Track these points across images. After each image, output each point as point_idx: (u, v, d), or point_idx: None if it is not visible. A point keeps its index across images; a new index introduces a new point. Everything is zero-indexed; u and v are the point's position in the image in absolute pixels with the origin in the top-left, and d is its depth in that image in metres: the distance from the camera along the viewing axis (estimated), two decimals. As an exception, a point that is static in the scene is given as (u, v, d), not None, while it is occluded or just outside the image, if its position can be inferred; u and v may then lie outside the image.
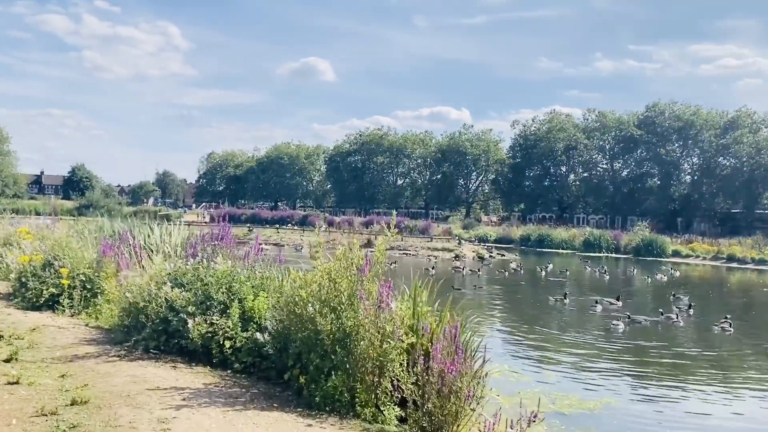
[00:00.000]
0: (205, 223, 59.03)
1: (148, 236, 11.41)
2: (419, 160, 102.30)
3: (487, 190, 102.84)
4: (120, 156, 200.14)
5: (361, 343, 5.26)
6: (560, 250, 51.34)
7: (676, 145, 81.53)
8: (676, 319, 16.67)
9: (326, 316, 5.51)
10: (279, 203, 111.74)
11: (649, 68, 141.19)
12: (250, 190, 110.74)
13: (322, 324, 5.45)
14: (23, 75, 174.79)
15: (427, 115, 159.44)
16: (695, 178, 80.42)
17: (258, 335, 6.13)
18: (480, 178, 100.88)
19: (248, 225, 51.38)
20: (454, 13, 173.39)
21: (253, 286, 7.08)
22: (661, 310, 17.72)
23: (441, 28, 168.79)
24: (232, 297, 6.91)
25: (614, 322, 15.66)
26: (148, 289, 7.26)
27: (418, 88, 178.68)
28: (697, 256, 45.05)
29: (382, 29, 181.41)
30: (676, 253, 45.94)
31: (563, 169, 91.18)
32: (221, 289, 6.96)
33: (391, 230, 5.90)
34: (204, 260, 7.50)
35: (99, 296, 9.52)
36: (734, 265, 41.58)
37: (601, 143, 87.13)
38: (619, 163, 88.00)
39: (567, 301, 19.22)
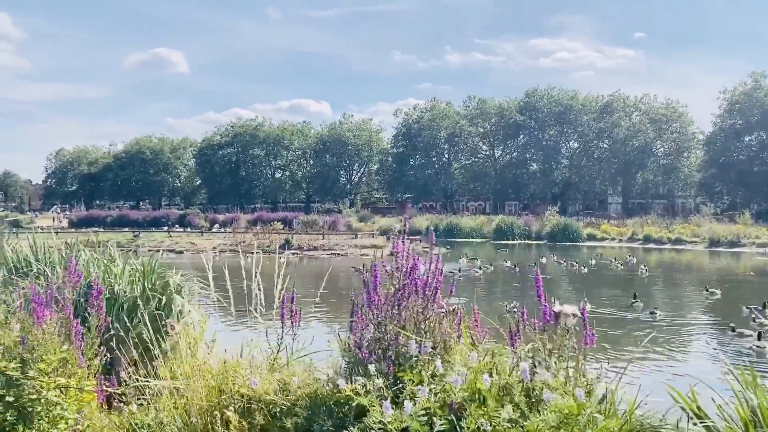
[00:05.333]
0: (62, 228, 49.86)
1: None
2: (298, 152, 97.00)
3: (366, 180, 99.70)
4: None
5: None
6: (471, 239, 49.05)
7: (555, 130, 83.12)
8: None
9: None
10: (141, 202, 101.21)
11: (495, 61, 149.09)
12: (108, 189, 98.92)
13: None
14: None
15: (286, 108, 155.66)
16: (573, 161, 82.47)
17: None
18: (362, 169, 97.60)
19: (131, 229, 43.28)
20: (307, 5, 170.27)
21: None
22: (754, 316, 14.29)
23: (295, 20, 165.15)
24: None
25: None
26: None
27: (276, 80, 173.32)
28: (612, 239, 44.44)
29: (236, 20, 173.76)
30: (591, 237, 45.07)
31: (446, 156, 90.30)
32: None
33: None
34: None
35: None
36: (652, 245, 41.15)
37: (482, 130, 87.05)
38: (500, 149, 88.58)
39: (658, 313, 15.25)
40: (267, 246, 32.60)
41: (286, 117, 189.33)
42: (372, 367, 2.65)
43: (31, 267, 8.27)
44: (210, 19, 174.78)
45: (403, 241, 3.47)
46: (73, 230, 37.31)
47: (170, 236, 37.01)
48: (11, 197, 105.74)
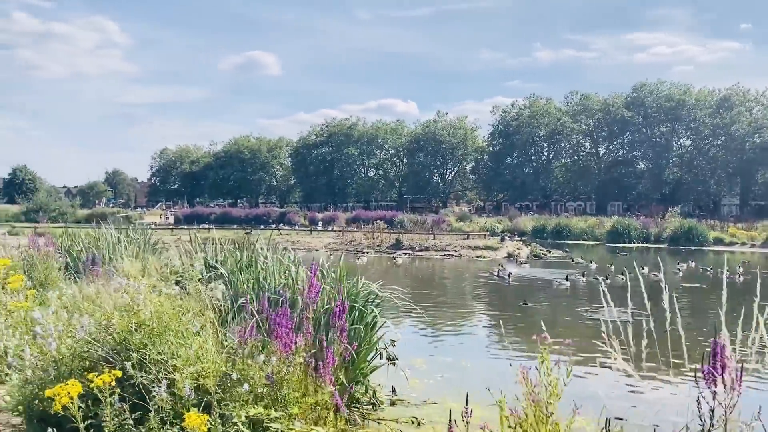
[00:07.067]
0: (170, 225, 51.30)
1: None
2: (392, 151, 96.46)
3: (459, 179, 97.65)
4: (60, 157, 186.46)
5: None
6: (581, 241, 46.31)
7: (665, 126, 77.96)
8: None
9: None
10: (239, 200, 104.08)
11: (587, 57, 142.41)
12: (208, 186, 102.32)
13: None
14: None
15: (374, 108, 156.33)
16: (685, 160, 77.01)
17: None
18: (456, 168, 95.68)
19: (241, 227, 43.87)
20: (395, 6, 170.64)
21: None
22: None
23: (383, 20, 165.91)
24: None
25: None
26: None
27: (364, 80, 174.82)
28: (743, 243, 40.52)
29: (325, 22, 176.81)
30: (718, 241, 41.31)
31: (546, 154, 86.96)
32: None
33: None
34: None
35: None
36: (794, 251, 37.14)
37: (585, 127, 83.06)
38: (604, 146, 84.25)
39: None
40: (377, 245, 31.75)
41: (374, 117, 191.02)
42: None
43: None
44: (300, 21, 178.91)
45: None
46: (184, 227, 37.99)
47: (280, 233, 36.85)
48: (120, 194, 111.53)
